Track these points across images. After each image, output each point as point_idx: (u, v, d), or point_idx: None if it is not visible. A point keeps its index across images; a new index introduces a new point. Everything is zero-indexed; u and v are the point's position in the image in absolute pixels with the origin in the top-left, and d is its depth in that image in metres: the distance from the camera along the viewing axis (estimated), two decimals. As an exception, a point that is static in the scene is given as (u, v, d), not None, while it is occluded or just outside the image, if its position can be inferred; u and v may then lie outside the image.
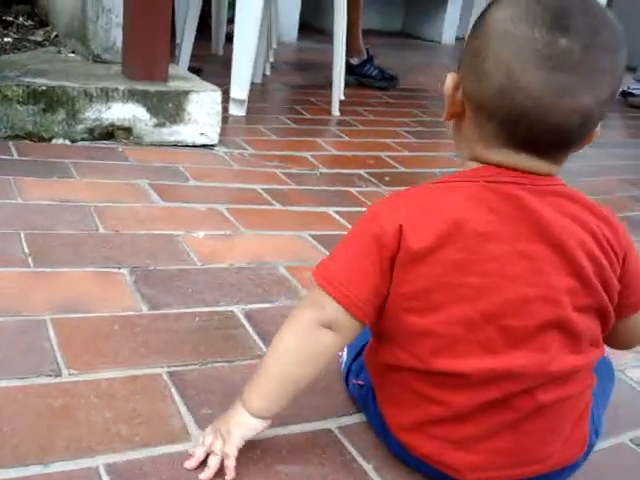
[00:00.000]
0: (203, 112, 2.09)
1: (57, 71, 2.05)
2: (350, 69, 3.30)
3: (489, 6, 0.80)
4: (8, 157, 1.76)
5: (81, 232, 1.42)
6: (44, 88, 1.89)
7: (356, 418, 0.99)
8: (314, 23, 4.73)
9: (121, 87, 1.98)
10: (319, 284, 0.81)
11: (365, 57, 3.31)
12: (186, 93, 2.06)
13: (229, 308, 1.24)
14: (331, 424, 0.97)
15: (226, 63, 2.59)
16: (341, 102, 2.86)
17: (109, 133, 2.00)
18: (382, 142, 2.51)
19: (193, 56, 2.86)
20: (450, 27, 5.29)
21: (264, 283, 1.35)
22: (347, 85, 3.23)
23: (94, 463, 0.84)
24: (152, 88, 2.02)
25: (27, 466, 0.82)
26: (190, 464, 0.84)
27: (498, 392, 0.80)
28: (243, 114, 2.54)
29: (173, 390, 1.00)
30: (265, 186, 1.88)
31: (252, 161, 2.08)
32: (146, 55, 2.06)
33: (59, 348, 1.04)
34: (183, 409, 0.96)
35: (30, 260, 1.28)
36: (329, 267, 0.82)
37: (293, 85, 3.27)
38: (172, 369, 1.04)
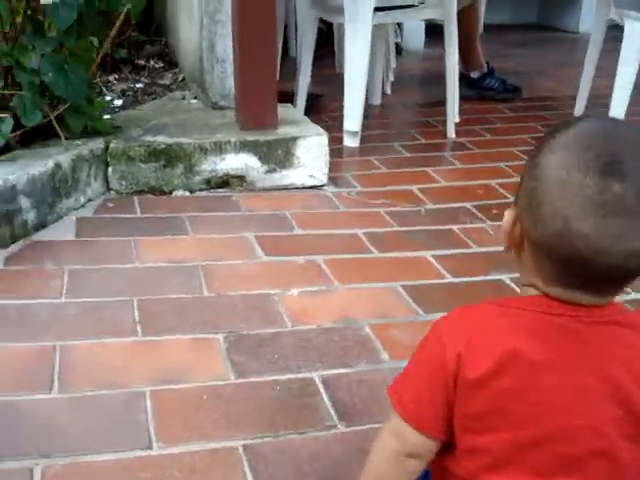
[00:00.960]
0: (311, 156, 2.20)
1: (177, 125, 2.24)
2: (471, 83, 3.28)
3: (542, 149, 0.82)
4: (132, 215, 1.96)
5: (186, 295, 1.58)
6: (163, 146, 2.08)
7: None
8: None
9: (233, 139, 2.13)
10: (399, 413, 0.87)
11: (485, 70, 3.27)
12: (294, 139, 2.18)
13: (309, 375, 1.33)
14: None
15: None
16: (459, 120, 2.87)
17: (224, 182, 2.16)
18: (495, 167, 2.49)
19: (316, 77, 2.96)
20: (588, 13, 5.03)
21: (347, 346, 1.43)
22: (468, 99, 3.22)
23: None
24: (262, 138, 2.16)
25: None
26: None
27: None
28: (357, 145, 2.62)
29: (246, 464, 1.11)
30: (366, 230, 1.95)
31: (358, 200, 2.16)
32: (256, 105, 2.20)
33: (152, 420, 1.19)
34: (251, 485, 1.07)
35: (139, 328, 1.44)
36: (404, 395, 0.87)
37: (411, 104, 3.30)
38: (248, 442, 1.16)
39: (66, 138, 1.96)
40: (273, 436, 1.18)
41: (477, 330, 0.85)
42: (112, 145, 2.05)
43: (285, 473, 1.09)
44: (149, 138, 2.11)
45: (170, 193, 2.12)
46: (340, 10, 2.55)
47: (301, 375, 1.33)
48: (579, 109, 3.04)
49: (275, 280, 1.66)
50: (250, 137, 2.15)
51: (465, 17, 3.06)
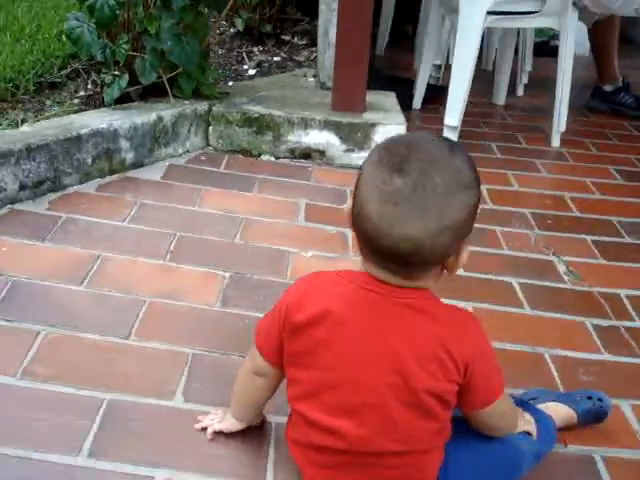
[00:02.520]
0: (387, 142, 2.40)
1: (279, 98, 2.55)
2: (603, 96, 3.25)
3: (375, 147, 1.03)
4: (215, 169, 2.31)
5: (219, 239, 1.89)
6: (257, 115, 2.40)
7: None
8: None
9: (318, 117, 2.40)
10: (254, 342, 1.15)
11: (620, 84, 3.22)
12: (374, 125, 2.40)
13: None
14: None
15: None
16: (572, 131, 2.89)
17: (306, 154, 2.44)
18: (578, 181, 2.53)
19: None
20: None
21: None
22: (598, 111, 3.21)
23: None
24: (345, 120, 2.40)
25: None
26: (196, 426, 1.26)
27: (332, 442, 1.06)
28: (454, 140, 2.77)
29: (187, 366, 1.41)
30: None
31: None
32: (346, 90, 2.44)
33: (140, 320, 1.52)
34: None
35: (168, 256, 1.78)
36: (260, 330, 1.15)
37: (531, 108, 3.33)
38: (196, 352, 1.45)
39: (175, 96, 2.35)
40: (220, 353, 1.46)
41: (309, 291, 1.08)
42: (214, 108, 2.41)
43: (214, 378, 1.37)
44: (248, 107, 2.44)
45: (258, 156, 2.44)
46: (457, 10, 2.69)
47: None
48: None
49: (298, 242, 1.92)
50: (334, 118, 2.41)
51: (601, 30, 3.05)
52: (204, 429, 1.26)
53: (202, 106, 2.39)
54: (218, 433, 1.25)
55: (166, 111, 2.28)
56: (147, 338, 1.48)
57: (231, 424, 1.25)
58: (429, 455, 1.07)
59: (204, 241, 1.87)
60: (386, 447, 1.03)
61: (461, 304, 1.62)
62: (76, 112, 2.21)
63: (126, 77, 2.23)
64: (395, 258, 0.97)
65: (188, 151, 2.38)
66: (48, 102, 2.35)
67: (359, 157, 2.43)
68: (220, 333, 1.52)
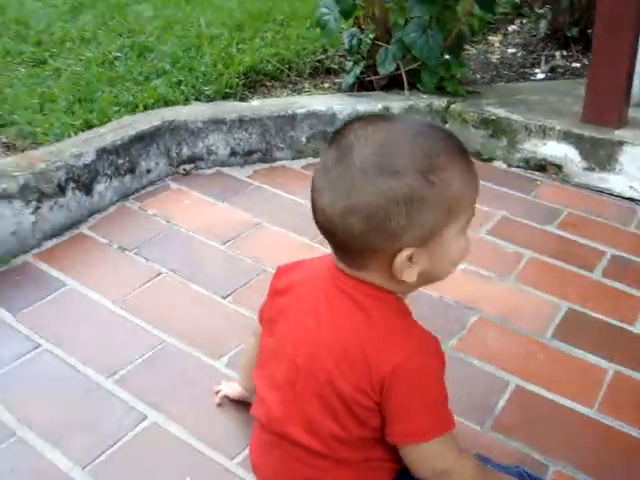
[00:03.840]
0: (635, 166, 2.05)
1: (530, 103, 2.34)
2: None
3: None
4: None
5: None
6: (493, 118, 2.25)
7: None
8: None
9: (558, 127, 2.15)
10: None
11: None
12: (620, 144, 2.06)
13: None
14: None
15: None
16: None
17: (542, 166, 2.21)
18: None
19: None
20: None
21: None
22: None
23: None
24: (587, 133, 2.11)
25: None
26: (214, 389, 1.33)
27: (261, 414, 1.04)
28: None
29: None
30: None
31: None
32: (599, 100, 2.13)
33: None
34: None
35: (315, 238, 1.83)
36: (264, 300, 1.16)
37: None
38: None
39: (418, 89, 2.34)
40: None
41: (290, 268, 1.07)
42: (452, 106, 2.32)
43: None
44: (489, 108, 2.30)
45: (489, 161, 2.29)
46: None
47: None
48: None
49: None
50: (577, 130, 2.13)
51: None
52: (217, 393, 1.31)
53: (440, 102, 2.33)
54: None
55: (396, 102, 2.28)
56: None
57: (233, 390, 1.28)
58: (343, 471, 0.96)
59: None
60: (298, 436, 0.96)
61: None
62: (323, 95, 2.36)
63: (362, 65, 2.30)
64: (324, 235, 0.93)
65: (418, 146, 2.35)
66: (307, 84, 2.56)
67: (600, 178, 2.12)
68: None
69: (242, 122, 2.10)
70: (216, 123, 2.08)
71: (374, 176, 0.84)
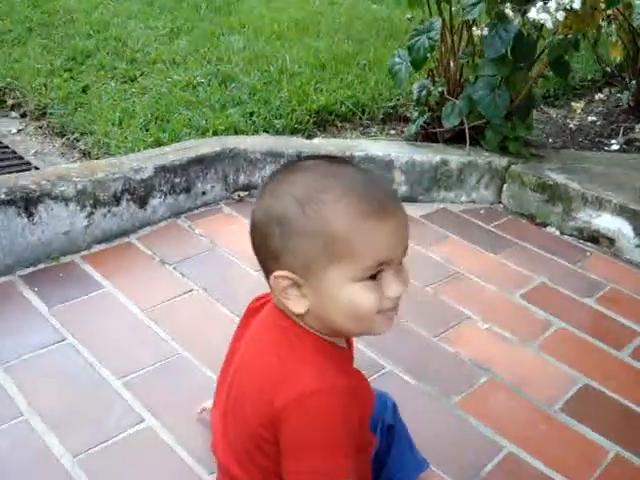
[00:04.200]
0: (689, 250, 1.99)
1: (596, 174, 2.31)
2: None
3: None
4: (482, 224, 2.25)
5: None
6: (551, 183, 2.24)
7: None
8: None
9: (615, 201, 2.12)
10: None
11: None
12: (679, 227, 2.01)
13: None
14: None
15: None
16: None
17: (594, 238, 2.18)
18: None
19: None
20: None
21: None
22: None
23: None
24: (642, 210, 2.07)
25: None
26: None
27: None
28: None
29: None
30: None
31: None
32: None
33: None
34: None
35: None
36: None
37: None
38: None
39: (480, 146, 2.36)
40: None
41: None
42: (513, 167, 2.33)
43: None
44: (548, 172, 2.29)
45: (544, 226, 2.27)
46: None
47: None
48: None
49: (481, 311, 1.79)
50: (633, 205, 2.09)
51: None
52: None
53: (500, 161, 2.34)
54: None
55: (454, 156, 2.31)
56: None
57: None
58: None
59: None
60: (232, 468, 0.99)
61: None
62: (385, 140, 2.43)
63: (426, 116, 2.34)
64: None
65: (473, 202, 2.36)
66: (375, 129, 2.63)
67: (652, 257, 2.06)
68: None
69: (299, 158, 2.17)
70: (274, 155, 2.16)
71: (268, 197, 0.91)
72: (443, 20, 2.24)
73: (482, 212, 2.33)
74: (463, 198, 2.36)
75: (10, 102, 2.72)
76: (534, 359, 1.64)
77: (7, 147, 2.43)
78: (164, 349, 1.54)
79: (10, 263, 1.71)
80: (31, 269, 1.75)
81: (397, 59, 2.36)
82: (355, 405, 0.89)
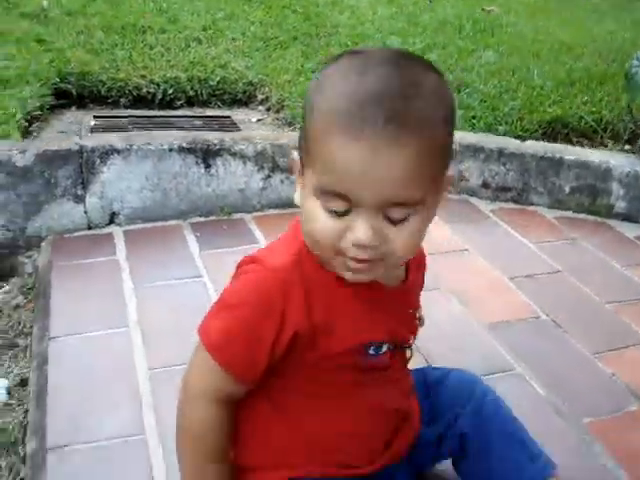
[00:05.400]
0: None
1: None
2: None
3: None
4: None
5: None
6: None
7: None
8: None
9: None
10: None
11: None
12: None
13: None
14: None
15: None
16: None
17: None
18: None
19: None
20: None
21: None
22: None
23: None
24: None
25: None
26: None
27: None
28: None
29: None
30: None
31: None
32: None
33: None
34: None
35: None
36: None
37: None
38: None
39: None
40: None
41: None
42: None
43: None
44: None
45: None
46: None
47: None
48: None
49: None
50: None
51: None
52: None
53: None
54: None
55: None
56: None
57: None
58: None
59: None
60: None
61: None
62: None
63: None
64: None
65: None
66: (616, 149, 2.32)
67: None
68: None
69: (501, 154, 2.00)
70: (474, 150, 2.02)
71: None
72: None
73: None
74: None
75: (260, 97, 2.94)
76: None
77: (240, 130, 2.62)
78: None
79: (184, 209, 1.82)
80: (202, 219, 1.84)
81: (635, 61, 2.07)
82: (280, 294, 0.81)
